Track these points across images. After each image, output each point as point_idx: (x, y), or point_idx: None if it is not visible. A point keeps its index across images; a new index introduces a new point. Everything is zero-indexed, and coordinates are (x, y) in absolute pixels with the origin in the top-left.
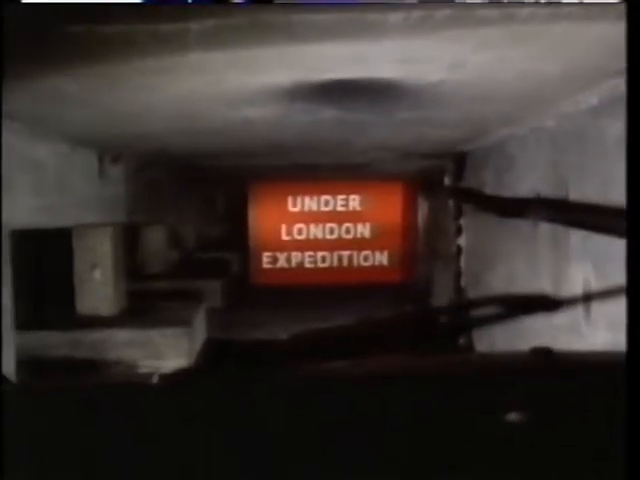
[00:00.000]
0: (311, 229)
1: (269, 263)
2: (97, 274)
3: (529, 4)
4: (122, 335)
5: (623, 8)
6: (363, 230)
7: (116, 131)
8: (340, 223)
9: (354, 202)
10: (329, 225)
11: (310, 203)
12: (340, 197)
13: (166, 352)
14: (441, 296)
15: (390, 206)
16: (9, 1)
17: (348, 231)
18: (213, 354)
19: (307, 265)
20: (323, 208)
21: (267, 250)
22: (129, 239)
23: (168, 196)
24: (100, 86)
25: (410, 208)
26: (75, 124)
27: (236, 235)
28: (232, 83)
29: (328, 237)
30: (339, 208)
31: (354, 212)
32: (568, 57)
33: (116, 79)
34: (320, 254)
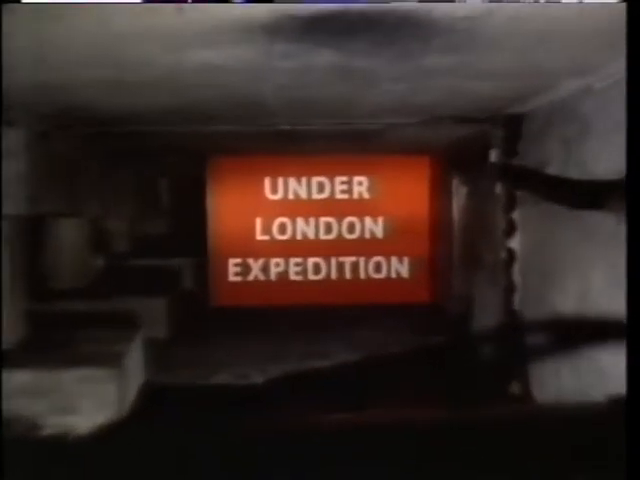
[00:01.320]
0: (299, 225)
1: (238, 274)
2: None
3: None
4: (19, 378)
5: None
6: (373, 227)
7: (11, 81)
8: (340, 217)
9: (360, 186)
10: (324, 220)
11: (297, 187)
12: (340, 179)
13: (83, 404)
14: (485, 321)
15: (412, 193)
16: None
17: (352, 228)
18: (153, 406)
19: (293, 277)
20: (316, 195)
21: (235, 255)
22: (31, 238)
23: (89, 176)
24: None
25: (440, 196)
26: None
27: (189, 233)
28: (183, 15)
29: (323, 237)
30: (339, 195)
31: (360, 201)
32: None
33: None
34: (312, 261)
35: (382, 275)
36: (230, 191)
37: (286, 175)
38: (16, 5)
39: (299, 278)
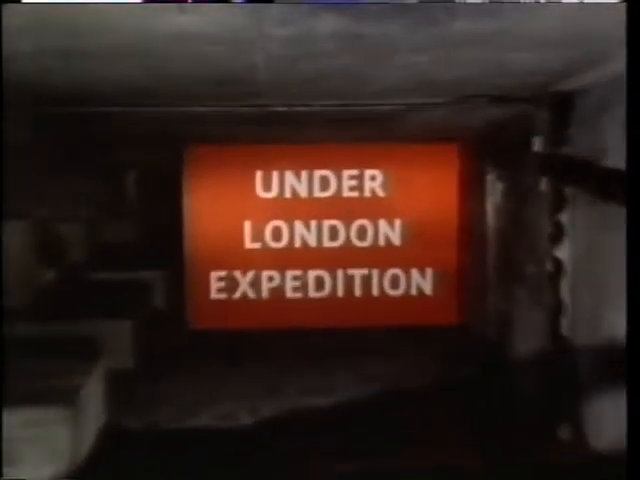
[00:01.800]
0: (297, 230)
1: (222, 290)
2: None
3: None
4: None
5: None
6: (389, 232)
7: None
8: (349, 219)
9: (373, 182)
10: (329, 223)
11: (295, 183)
12: (349, 173)
13: (29, 453)
14: (526, 348)
15: (436, 190)
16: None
17: (363, 234)
18: (116, 454)
19: (290, 294)
20: (318, 193)
21: (218, 267)
22: None
23: (37, 168)
24: None
25: (471, 193)
26: None
27: (162, 240)
28: None
29: (328, 244)
30: (347, 193)
31: (373, 200)
32: None
33: None
34: (313, 274)
35: (400, 291)
36: (212, 188)
37: (282, 168)
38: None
39: (298, 295)
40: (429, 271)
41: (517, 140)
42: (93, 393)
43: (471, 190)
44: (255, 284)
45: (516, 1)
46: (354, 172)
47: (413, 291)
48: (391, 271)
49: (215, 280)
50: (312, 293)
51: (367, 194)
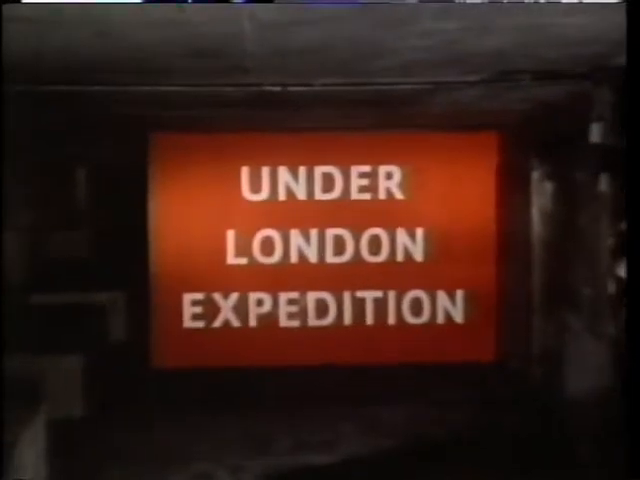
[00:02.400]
0: (294, 241)
1: (198, 318)
2: None
3: None
4: None
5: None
6: (409, 244)
7: None
8: (358, 228)
9: (389, 181)
10: (334, 232)
11: (291, 182)
12: (358, 170)
13: None
14: (583, 391)
15: (469, 190)
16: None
17: (376, 246)
18: None
19: (285, 322)
20: (320, 195)
21: (193, 288)
22: None
23: None
24: None
25: (512, 195)
26: None
27: (121, 254)
28: None
29: (332, 260)
30: (356, 194)
31: (389, 204)
32: None
33: None
34: (313, 297)
35: (422, 319)
36: (186, 188)
37: (274, 163)
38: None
39: (294, 324)
40: (459, 293)
41: (570, 128)
42: (32, 447)
43: (513, 191)
44: (240, 309)
45: (517, 1)
46: (365, 168)
47: (439, 319)
48: (412, 293)
49: (189, 304)
50: (312, 321)
51: (381, 196)
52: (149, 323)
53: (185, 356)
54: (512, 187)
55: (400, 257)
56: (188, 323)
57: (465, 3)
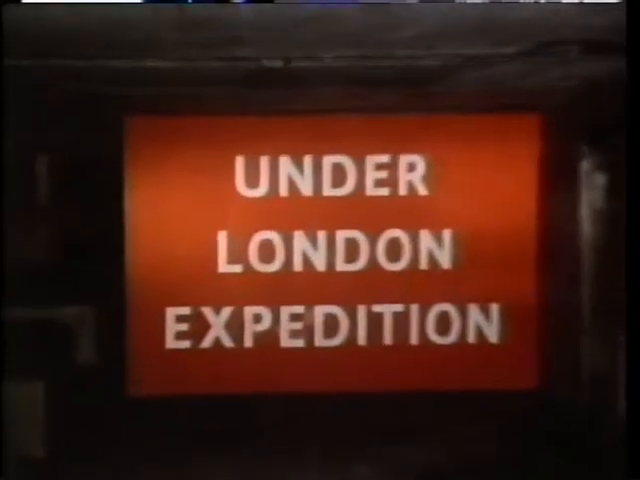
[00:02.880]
0: (297, 245)
1: (183, 337)
2: None
3: None
4: None
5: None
6: (435, 248)
7: None
8: (375, 230)
9: (411, 173)
10: (346, 235)
11: (294, 175)
12: (375, 160)
13: None
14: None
15: (505, 185)
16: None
17: (395, 251)
18: None
19: (286, 342)
20: (330, 190)
21: (177, 301)
22: None
23: None
24: None
25: (558, 189)
26: None
27: (90, 260)
28: None
29: (343, 267)
30: (372, 190)
31: (412, 200)
32: None
33: None
34: (321, 312)
35: (451, 338)
36: (169, 181)
37: (275, 151)
38: None
39: (298, 344)
40: (494, 308)
41: (626, 110)
42: None
43: (557, 185)
44: (234, 327)
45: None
46: (383, 158)
47: (470, 337)
48: (438, 307)
49: (173, 321)
50: (320, 341)
51: (402, 191)
52: (124, 343)
53: (168, 382)
54: (557, 180)
55: (424, 264)
56: (172, 343)
57: None
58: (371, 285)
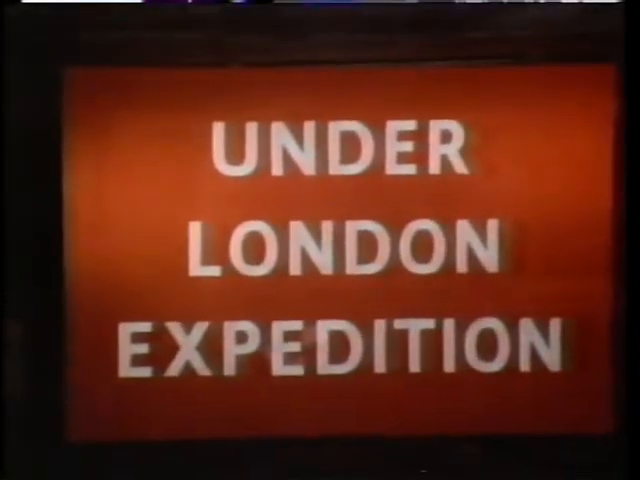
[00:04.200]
0: (295, 240)
1: (142, 361)
2: None
3: None
4: None
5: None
6: (477, 245)
7: None
8: (398, 220)
9: (446, 146)
10: (359, 227)
11: (290, 146)
12: (397, 127)
13: None
14: None
15: (569, 159)
16: (9, 1)
17: (425, 249)
18: None
19: (279, 369)
20: (338, 167)
21: (134, 314)
22: None
23: None
24: None
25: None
26: None
27: (18, 259)
28: None
29: (355, 269)
30: (393, 168)
31: (446, 181)
32: None
33: None
34: (326, 328)
35: (498, 364)
36: (123, 154)
37: (264, 116)
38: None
39: (294, 371)
40: (556, 323)
41: None
42: None
43: None
44: (210, 349)
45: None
46: (408, 125)
47: (523, 364)
48: (480, 323)
49: (128, 340)
50: (324, 367)
51: (434, 170)
52: (62, 372)
53: (121, 424)
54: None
55: (462, 266)
56: (126, 370)
57: None
58: (392, 293)
